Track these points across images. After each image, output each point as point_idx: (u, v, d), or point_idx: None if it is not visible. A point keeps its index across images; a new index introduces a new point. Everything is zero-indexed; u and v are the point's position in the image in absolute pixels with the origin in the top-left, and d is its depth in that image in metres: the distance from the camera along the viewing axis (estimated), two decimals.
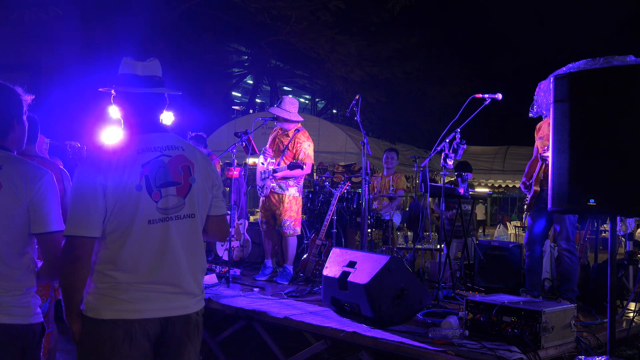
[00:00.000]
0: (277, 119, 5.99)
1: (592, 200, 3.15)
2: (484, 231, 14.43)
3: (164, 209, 2.23)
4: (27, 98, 2.42)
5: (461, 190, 5.43)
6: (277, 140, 6.10)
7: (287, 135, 6.01)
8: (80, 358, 2.22)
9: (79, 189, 2.18)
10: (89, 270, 2.19)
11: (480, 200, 7.64)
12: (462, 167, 7.50)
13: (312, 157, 6.00)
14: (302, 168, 5.76)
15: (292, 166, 5.72)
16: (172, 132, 2.39)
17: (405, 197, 10.87)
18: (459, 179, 5.50)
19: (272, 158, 5.98)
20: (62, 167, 3.80)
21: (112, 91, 2.39)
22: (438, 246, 5.75)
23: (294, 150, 5.91)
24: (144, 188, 2.19)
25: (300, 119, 6.08)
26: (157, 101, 2.38)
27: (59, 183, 3.52)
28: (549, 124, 3.49)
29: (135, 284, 2.17)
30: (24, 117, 2.41)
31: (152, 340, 2.21)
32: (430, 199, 5.49)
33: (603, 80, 3.21)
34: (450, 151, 5.02)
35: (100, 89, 2.44)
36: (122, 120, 2.38)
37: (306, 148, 5.90)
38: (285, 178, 5.90)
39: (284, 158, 5.93)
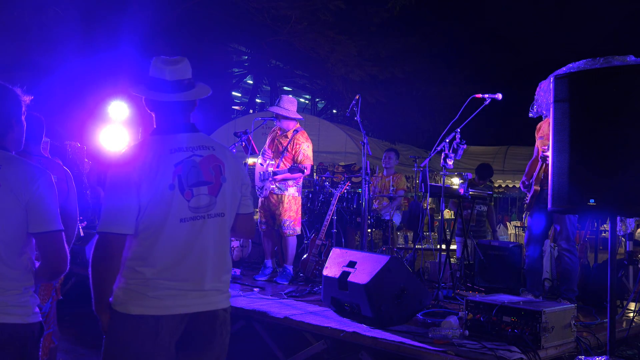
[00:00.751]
0: (276, 117, 5.99)
1: (592, 200, 3.15)
2: None
3: (196, 208, 2.26)
4: (26, 98, 2.42)
5: (461, 191, 5.43)
6: (275, 141, 6.09)
7: (286, 136, 6.01)
8: (106, 350, 2.26)
9: (113, 187, 2.21)
10: (120, 265, 2.22)
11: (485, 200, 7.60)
12: (483, 169, 7.49)
13: (311, 158, 5.99)
14: (303, 172, 5.77)
15: (293, 169, 5.72)
16: (202, 132, 2.42)
17: (405, 197, 10.86)
18: (459, 179, 5.50)
19: (271, 159, 5.98)
20: (66, 169, 3.80)
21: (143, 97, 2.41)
22: (438, 246, 5.74)
23: (293, 152, 5.90)
24: (176, 187, 2.23)
25: (299, 117, 6.07)
26: (186, 105, 2.39)
27: (62, 183, 3.53)
28: (549, 123, 3.49)
29: (164, 281, 2.21)
30: (23, 118, 2.41)
31: (177, 335, 2.25)
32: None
33: (603, 80, 3.21)
34: (450, 151, 5.03)
35: (131, 92, 2.44)
36: (153, 121, 2.41)
37: (305, 149, 5.89)
38: (285, 179, 5.90)
39: (283, 159, 5.92)
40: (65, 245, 2.31)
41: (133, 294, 2.20)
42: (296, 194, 5.98)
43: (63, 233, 2.29)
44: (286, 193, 5.90)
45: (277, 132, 6.12)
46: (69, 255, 2.33)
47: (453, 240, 7.11)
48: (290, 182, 5.92)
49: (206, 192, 2.29)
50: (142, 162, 2.21)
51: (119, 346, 2.21)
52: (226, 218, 2.36)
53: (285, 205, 5.88)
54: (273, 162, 5.95)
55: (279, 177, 5.85)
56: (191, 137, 2.34)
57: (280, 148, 5.99)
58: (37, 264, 2.32)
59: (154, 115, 2.40)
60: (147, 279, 2.20)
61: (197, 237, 2.26)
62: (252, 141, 6.06)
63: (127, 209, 2.17)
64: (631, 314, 4.67)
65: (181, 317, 2.23)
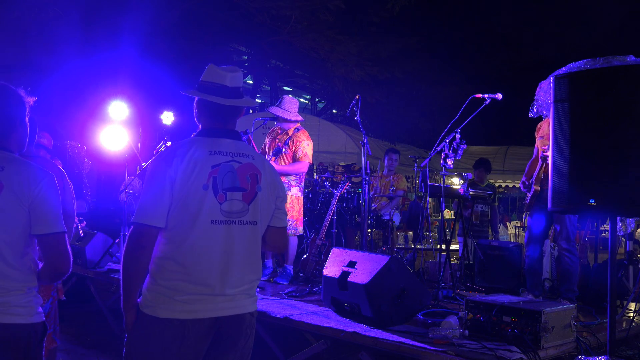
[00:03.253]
0: (276, 118, 5.98)
1: (592, 200, 3.15)
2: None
3: (228, 212, 2.29)
4: (30, 100, 2.43)
5: (461, 191, 5.43)
6: (276, 139, 6.09)
7: (287, 134, 6.00)
8: (129, 348, 2.27)
9: (150, 180, 2.26)
10: (150, 260, 2.25)
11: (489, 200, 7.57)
12: (481, 163, 7.43)
13: (310, 157, 5.97)
14: (303, 162, 5.76)
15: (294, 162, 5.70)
16: (244, 141, 2.48)
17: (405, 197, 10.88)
18: (459, 179, 5.50)
19: (270, 157, 5.97)
20: (60, 167, 3.81)
21: (196, 97, 2.46)
22: (438, 246, 5.75)
23: (293, 149, 5.89)
24: (210, 188, 2.26)
25: (300, 118, 6.05)
26: (237, 112, 2.47)
27: (61, 182, 3.53)
28: (549, 123, 3.49)
29: (193, 285, 2.23)
30: (27, 119, 2.42)
31: (208, 340, 2.28)
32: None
33: (603, 80, 3.21)
34: (450, 151, 5.03)
35: (182, 92, 2.50)
36: (198, 122, 2.47)
37: (305, 147, 5.88)
38: (286, 175, 5.85)
39: (283, 156, 5.91)
40: (68, 246, 2.31)
41: (161, 297, 2.22)
42: (299, 194, 5.97)
43: (66, 235, 2.30)
44: (289, 193, 5.89)
45: (277, 131, 6.10)
46: (71, 256, 2.33)
47: (454, 240, 7.11)
48: (293, 182, 5.91)
49: (240, 198, 2.32)
50: (180, 159, 2.25)
51: (144, 348, 2.23)
52: (258, 227, 2.39)
53: (288, 205, 5.85)
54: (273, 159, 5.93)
55: (279, 168, 5.75)
56: (233, 144, 2.40)
57: (281, 145, 5.97)
58: (40, 265, 2.33)
59: (201, 118, 2.45)
60: (176, 282, 2.22)
61: (226, 241, 2.28)
62: (252, 141, 6.05)
63: (160, 203, 2.21)
64: (631, 314, 4.67)
65: (210, 321, 2.25)
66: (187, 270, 2.23)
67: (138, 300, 2.28)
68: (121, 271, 2.24)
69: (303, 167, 5.87)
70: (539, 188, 4.90)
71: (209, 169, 2.27)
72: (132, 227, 2.23)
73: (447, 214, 12.19)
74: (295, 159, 5.85)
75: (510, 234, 14.20)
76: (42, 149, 4.15)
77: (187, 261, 2.23)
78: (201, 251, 2.24)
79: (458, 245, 7.08)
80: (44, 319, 2.34)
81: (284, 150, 5.89)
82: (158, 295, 2.23)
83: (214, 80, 2.41)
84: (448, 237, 6.76)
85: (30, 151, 3.54)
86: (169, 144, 6.16)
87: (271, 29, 14.95)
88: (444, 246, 5.52)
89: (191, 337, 2.22)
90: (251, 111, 19.79)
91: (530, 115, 4.92)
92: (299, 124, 6.07)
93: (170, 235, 2.24)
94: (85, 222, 5.76)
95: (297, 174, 5.92)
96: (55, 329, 3.77)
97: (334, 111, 22.98)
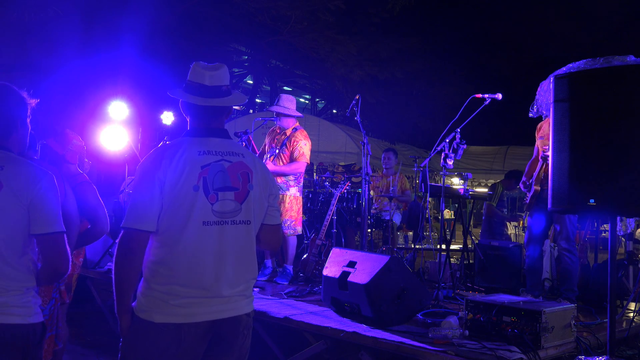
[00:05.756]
0: (276, 115, 5.99)
1: (592, 200, 3.15)
2: None
3: (220, 212, 2.25)
4: (32, 101, 2.43)
5: (461, 191, 5.44)
6: (275, 139, 6.09)
7: (285, 134, 6.00)
8: (124, 353, 2.25)
9: (139, 184, 2.23)
10: (142, 264, 2.22)
11: (487, 200, 7.54)
12: (512, 175, 7.50)
13: (308, 157, 5.96)
14: (300, 162, 5.77)
15: (291, 163, 5.70)
16: (234, 139, 2.45)
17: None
18: (459, 179, 5.51)
19: (269, 157, 5.97)
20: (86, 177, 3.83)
21: (180, 100, 2.44)
22: (438, 246, 5.74)
23: (291, 149, 5.89)
24: (200, 189, 2.22)
25: (299, 114, 6.06)
26: (222, 110, 2.41)
27: (83, 187, 3.57)
28: (550, 123, 3.49)
29: (188, 288, 2.20)
30: (28, 120, 2.42)
31: (205, 343, 2.26)
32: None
33: (603, 80, 3.21)
34: (450, 151, 5.03)
35: (169, 94, 2.47)
36: (187, 123, 2.44)
37: (302, 147, 5.88)
38: (283, 175, 5.85)
39: (281, 156, 5.91)
40: (67, 247, 2.31)
41: (156, 301, 2.20)
42: (297, 194, 5.97)
43: (65, 235, 2.29)
44: (287, 193, 5.89)
45: (276, 131, 6.11)
46: (70, 257, 2.33)
47: (454, 240, 7.11)
48: (291, 182, 5.91)
49: (232, 197, 2.28)
50: (168, 161, 2.22)
51: (140, 353, 2.21)
52: (252, 226, 2.36)
53: (286, 205, 5.86)
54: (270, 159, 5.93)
55: (270, 168, 5.75)
56: (222, 143, 2.36)
57: (279, 145, 5.98)
58: (39, 265, 2.32)
59: (188, 119, 2.42)
60: (171, 286, 2.19)
61: (221, 242, 2.25)
62: (252, 141, 6.06)
63: (150, 206, 2.18)
64: (631, 314, 4.67)
65: (207, 324, 2.23)
66: (181, 274, 2.20)
67: (133, 304, 2.25)
68: (113, 277, 2.21)
69: (300, 167, 5.87)
70: (539, 188, 4.90)
71: (198, 169, 2.23)
72: (122, 231, 2.19)
73: (447, 213, 12.20)
74: (292, 159, 5.85)
75: (510, 234, 14.20)
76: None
77: (180, 264, 2.20)
78: (194, 253, 2.21)
79: (459, 246, 7.09)
80: (43, 319, 2.33)
81: (277, 150, 5.89)
82: (153, 300, 2.20)
83: (194, 80, 2.38)
84: (448, 237, 6.77)
85: (32, 152, 3.54)
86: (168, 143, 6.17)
87: (271, 29, 14.95)
88: (444, 246, 5.52)
89: (188, 341, 2.20)
90: (251, 111, 19.83)
91: (530, 115, 4.92)
92: (297, 123, 6.07)
93: (162, 239, 2.21)
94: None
95: (294, 174, 5.91)
96: (58, 332, 3.75)
97: (334, 111, 22.99)
